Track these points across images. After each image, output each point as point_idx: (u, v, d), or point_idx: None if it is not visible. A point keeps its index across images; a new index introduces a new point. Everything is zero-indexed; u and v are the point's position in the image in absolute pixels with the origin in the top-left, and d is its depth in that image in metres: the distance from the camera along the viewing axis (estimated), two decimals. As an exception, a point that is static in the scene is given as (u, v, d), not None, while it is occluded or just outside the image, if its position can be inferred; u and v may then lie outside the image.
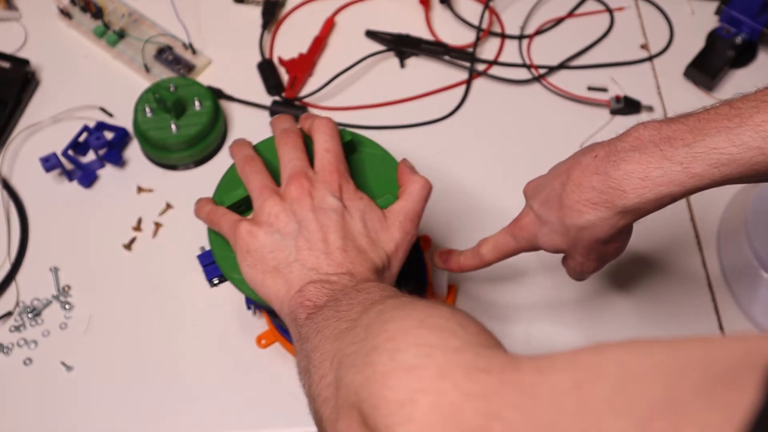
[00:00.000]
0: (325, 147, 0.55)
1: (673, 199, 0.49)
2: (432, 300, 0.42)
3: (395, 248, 0.53)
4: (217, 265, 0.57)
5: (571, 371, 0.28)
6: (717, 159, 0.47)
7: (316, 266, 0.50)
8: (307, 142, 0.57)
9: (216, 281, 0.59)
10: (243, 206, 0.57)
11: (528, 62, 0.84)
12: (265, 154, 0.58)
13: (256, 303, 0.68)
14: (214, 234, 0.57)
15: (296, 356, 0.48)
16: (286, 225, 0.52)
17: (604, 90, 0.82)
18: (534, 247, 0.58)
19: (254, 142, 0.60)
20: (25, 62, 0.82)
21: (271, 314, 0.68)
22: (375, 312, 0.41)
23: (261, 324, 0.69)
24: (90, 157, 0.78)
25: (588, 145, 0.54)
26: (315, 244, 0.51)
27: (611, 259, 0.57)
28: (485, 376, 0.32)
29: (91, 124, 0.78)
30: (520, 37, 0.86)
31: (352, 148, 0.59)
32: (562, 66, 0.83)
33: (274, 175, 0.56)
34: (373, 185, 0.58)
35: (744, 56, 0.83)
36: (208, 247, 0.58)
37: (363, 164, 0.59)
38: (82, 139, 0.77)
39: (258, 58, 0.84)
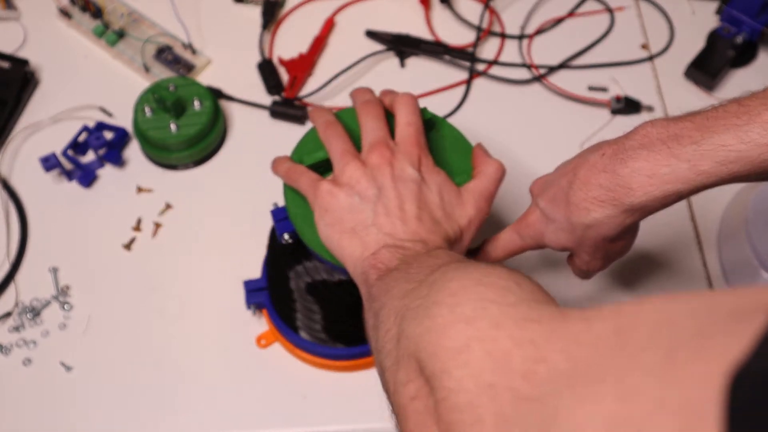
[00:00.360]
0: (407, 120, 0.57)
1: (680, 196, 0.49)
2: (493, 264, 0.44)
3: (468, 223, 0.54)
4: (289, 221, 0.57)
5: (614, 319, 0.30)
6: (725, 156, 0.47)
7: (391, 232, 0.51)
8: (387, 117, 0.58)
9: (287, 237, 0.59)
10: (322, 168, 0.57)
11: (528, 62, 0.84)
12: (346, 121, 0.59)
13: (256, 303, 0.68)
14: (290, 190, 0.57)
15: (365, 315, 0.49)
16: (366, 189, 0.53)
17: (604, 90, 0.82)
18: (540, 245, 0.58)
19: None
20: (24, 62, 0.82)
21: (271, 313, 0.68)
22: (440, 272, 0.42)
23: (261, 324, 0.69)
24: (90, 157, 0.78)
25: (596, 144, 0.54)
26: (392, 211, 0.52)
27: (617, 257, 0.57)
28: (535, 325, 0.34)
29: (91, 124, 0.78)
30: (521, 37, 0.86)
31: (431, 126, 0.60)
32: (563, 66, 0.83)
33: (355, 142, 0.57)
34: (449, 164, 0.58)
35: (744, 56, 0.83)
36: (281, 204, 0.58)
37: (440, 143, 0.60)
38: (81, 139, 0.76)
39: (258, 58, 0.84)
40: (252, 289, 0.68)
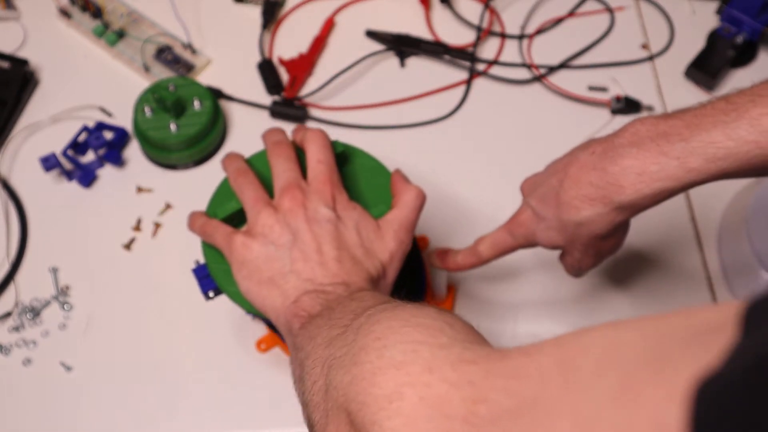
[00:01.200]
0: (317, 158, 0.55)
1: (670, 194, 0.49)
2: (421, 303, 0.43)
3: (390, 257, 0.53)
4: (212, 278, 0.56)
5: (556, 351, 0.29)
6: (713, 153, 0.47)
7: (311, 277, 0.50)
8: (300, 155, 0.57)
9: (211, 294, 0.58)
10: (236, 219, 0.56)
11: (528, 62, 0.84)
12: (258, 167, 0.58)
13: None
14: (208, 247, 0.57)
15: (291, 365, 0.48)
16: (281, 236, 0.52)
17: (604, 90, 0.82)
18: (531, 244, 0.58)
19: (248, 154, 0.60)
20: (24, 62, 0.82)
21: (268, 323, 0.67)
22: (365, 316, 0.41)
23: (261, 324, 0.69)
24: (89, 157, 0.78)
25: (585, 142, 0.54)
26: (310, 255, 0.51)
27: (608, 255, 0.57)
28: (472, 366, 0.32)
29: (91, 124, 0.78)
30: (521, 37, 0.86)
31: (344, 159, 0.59)
32: (563, 66, 0.83)
33: (267, 187, 0.56)
34: (366, 195, 0.58)
35: (745, 56, 0.83)
36: (202, 261, 0.57)
37: (356, 175, 0.59)
38: (81, 139, 0.76)
39: (258, 58, 0.84)
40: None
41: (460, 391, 0.31)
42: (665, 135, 0.48)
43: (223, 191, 0.59)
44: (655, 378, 0.23)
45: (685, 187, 0.49)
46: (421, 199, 0.55)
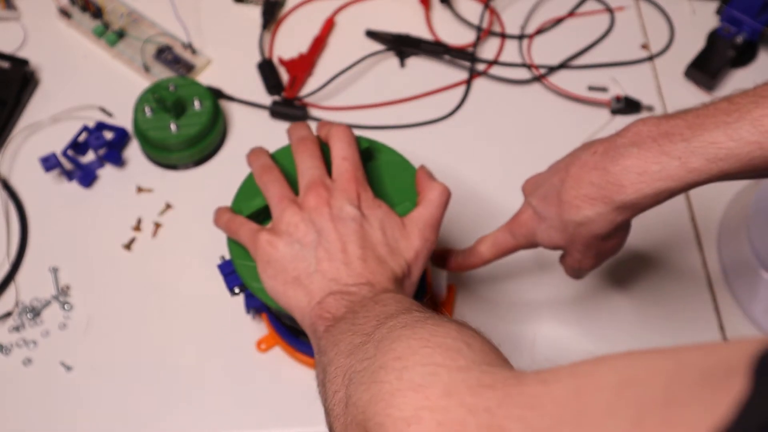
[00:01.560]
0: (342, 155, 0.55)
1: (671, 194, 0.49)
2: (441, 316, 0.43)
3: (415, 256, 0.53)
4: (237, 274, 0.56)
5: (572, 381, 0.29)
6: (715, 154, 0.47)
7: (336, 277, 0.50)
8: (324, 150, 0.57)
9: (237, 290, 0.59)
10: (262, 215, 0.56)
11: (528, 62, 0.84)
12: (283, 162, 0.58)
13: (255, 307, 0.68)
14: (233, 243, 0.56)
15: (315, 368, 0.48)
16: (306, 235, 0.52)
17: (604, 90, 0.82)
18: (532, 244, 0.58)
19: (270, 150, 0.60)
20: (24, 62, 0.82)
21: (271, 317, 0.67)
22: (386, 328, 0.41)
23: (262, 323, 0.69)
24: (90, 157, 0.78)
25: (587, 142, 0.54)
26: (335, 255, 0.51)
27: (609, 256, 0.57)
28: (490, 392, 0.32)
29: (91, 124, 0.78)
30: (521, 37, 0.86)
31: (369, 155, 0.59)
32: (563, 66, 0.83)
33: (292, 183, 0.56)
34: (391, 192, 0.58)
35: (745, 56, 0.83)
36: (228, 257, 0.57)
37: (381, 171, 0.59)
38: (81, 139, 0.76)
39: (258, 58, 0.84)
40: (251, 294, 0.68)
41: (476, 418, 0.31)
42: (667, 135, 0.48)
43: (248, 187, 0.59)
44: (665, 426, 0.23)
45: (686, 188, 0.49)
46: (446, 196, 0.55)
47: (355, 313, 0.47)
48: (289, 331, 0.66)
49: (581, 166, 0.52)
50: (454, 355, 0.36)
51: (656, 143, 0.49)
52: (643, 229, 0.73)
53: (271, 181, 0.55)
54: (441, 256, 0.62)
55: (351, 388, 0.39)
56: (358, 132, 0.80)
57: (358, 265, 0.51)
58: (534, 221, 0.56)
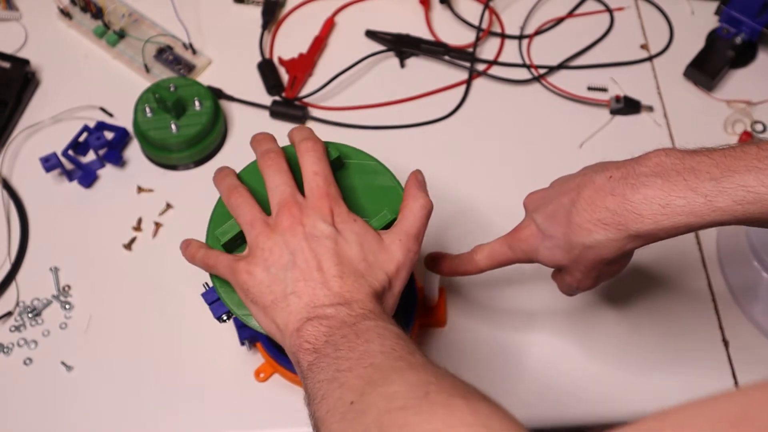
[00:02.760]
0: (314, 170, 0.54)
1: (688, 229, 0.49)
2: (440, 376, 0.41)
3: (396, 269, 0.52)
4: (222, 301, 0.56)
5: None
6: (743, 197, 0.46)
7: (312, 299, 0.49)
8: (293, 160, 0.56)
9: (225, 318, 0.58)
10: (239, 240, 0.55)
11: (528, 62, 0.84)
12: (250, 180, 0.57)
13: (249, 339, 0.66)
14: (214, 275, 0.56)
15: (305, 401, 0.47)
16: (280, 257, 0.51)
17: (604, 90, 0.82)
18: (530, 260, 0.57)
19: (249, 155, 0.59)
20: (25, 62, 0.82)
21: (266, 346, 0.66)
22: (384, 400, 0.40)
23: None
24: (90, 157, 0.78)
25: (600, 163, 0.53)
26: (311, 275, 0.50)
27: (608, 278, 0.57)
28: None
29: (91, 124, 0.78)
30: (520, 37, 0.86)
31: (340, 164, 0.58)
32: (562, 66, 0.83)
33: (262, 201, 0.55)
34: (365, 203, 0.57)
35: (744, 56, 0.83)
36: (211, 284, 0.57)
37: (353, 179, 0.58)
38: (82, 139, 0.77)
39: (258, 58, 0.84)
40: (241, 326, 0.66)
41: None
42: (693, 170, 0.48)
43: (221, 212, 0.58)
44: None
45: (704, 226, 0.48)
46: (427, 210, 0.54)
47: (336, 348, 0.46)
48: (286, 357, 0.65)
49: (596, 190, 0.51)
50: None
51: (682, 177, 0.48)
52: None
53: (240, 205, 0.54)
54: (434, 258, 0.62)
55: None
56: (358, 131, 0.80)
57: (335, 284, 0.50)
58: (537, 239, 0.55)
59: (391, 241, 0.53)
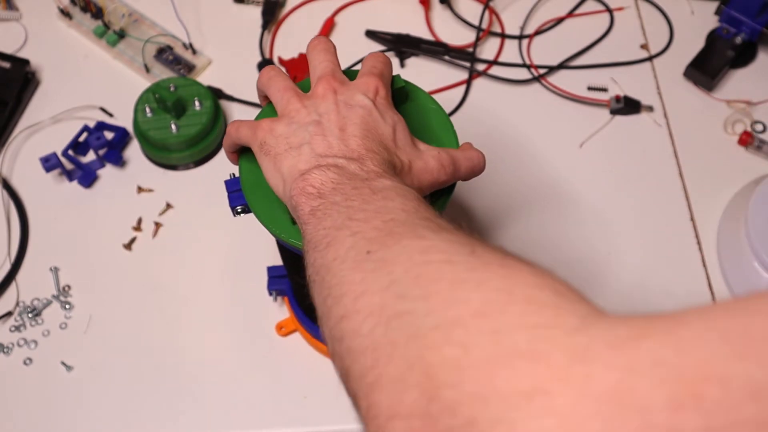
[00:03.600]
0: (373, 64, 0.51)
1: None
2: (479, 243, 0.34)
3: (422, 169, 0.47)
4: (242, 192, 0.53)
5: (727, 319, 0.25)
6: None
7: (325, 150, 0.45)
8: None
9: (239, 209, 0.55)
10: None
11: (528, 62, 0.84)
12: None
13: (277, 289, 0.67)
14: (245, 161, 0.53)
15: (305, 260, 0.41)
16: (306, 116, 0.48)
17: (604, 90, 0.82)
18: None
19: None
20: (25, 62, 0.82)
21: (293, 302, 0.67)
22: (416, 252, 0.34)
23: (263, 325, 0.69)
24: (90, 157, 0.78)
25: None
26: (331, 131, 0.47)
27: None
28: (647, 342, 0.25)
29: (91, 124, 0.78)
30: (520, 37, 0.86)
31: (404, 96, 0.54)
32: (562, 66, 0.83)
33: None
34: (421, 135, 0.52)
35: (744, 56, 0.83)
36: (237, 174, 0.54)
37: (413, 116, 0.54)
38: (82, 139, 0.77)
39: (258, 58, 0.84)
40: (274, 276, 0.67)
41: (645, 379, 0.23)
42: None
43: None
44: None
45: None
46: (481, 161, 0.51)
47: (347, 198, 0.40)
48: (310, 318, 0.66)
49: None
50: (558, 312, 0.28)
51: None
52: (643, 231, 0.73)
53: (272, 77, 0.52)
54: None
55: (391, 333, 0.31)
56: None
57: (354, 143, 0.46)
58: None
59: (428, 149, 0.49)
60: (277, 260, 0.70)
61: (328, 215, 0.40)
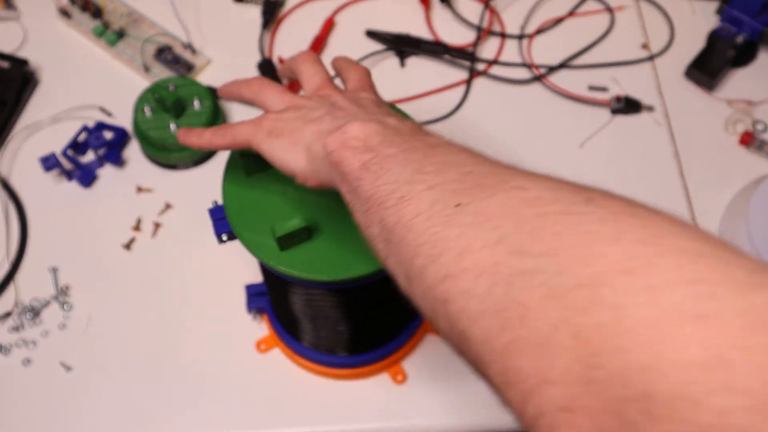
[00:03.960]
0: (358, 76, 0.51)
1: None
2: (616, 195, 0.31)
3: None
4: (227, 221, 0.53)
5: None
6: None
7: (355, 115, 0.43)
8: None
9: (225, 237, 0.55)
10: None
11: (528, 62, 0.84)
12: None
13: (257, 307, 0.67)
14: (229, 185, 0.53)
15: (360, 220, 0.37)
16: (316, 104, 0.45)
17: (604, 90, 0.82)
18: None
19: None
20: (24, 62, 0.82)
21: (272, 317, 0.67)
22: (522, 204, 0.30)
23: (262, 326, 0.69)
24: (89, 156, 0.78)
25: None
26: (348, 108, 0.44)
27: None
28: None
29: (91, 124, 0.78)
30: (521, 37, 0.86)
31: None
32: (563, 66, 0.83)
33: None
34: None
35: (745, 56, 0.83)
36: (220, 202, 0.54)
37: None
38: (81, 138, 0.76)
39: (258, 58, 0.84)
40: (254, 294, 0.67)
41: None
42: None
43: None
44: None
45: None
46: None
47: (404, 150, 0.36)
48: (290, 333, 0.66)
49: None
50: (716, 265, 0.25)
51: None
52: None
53: (263, 85, 0.49)
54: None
55: (519, 294, 0.27)
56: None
57: (374, 109, 0.44)
58: None
59: None
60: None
61: (388, 169, 0.36)
